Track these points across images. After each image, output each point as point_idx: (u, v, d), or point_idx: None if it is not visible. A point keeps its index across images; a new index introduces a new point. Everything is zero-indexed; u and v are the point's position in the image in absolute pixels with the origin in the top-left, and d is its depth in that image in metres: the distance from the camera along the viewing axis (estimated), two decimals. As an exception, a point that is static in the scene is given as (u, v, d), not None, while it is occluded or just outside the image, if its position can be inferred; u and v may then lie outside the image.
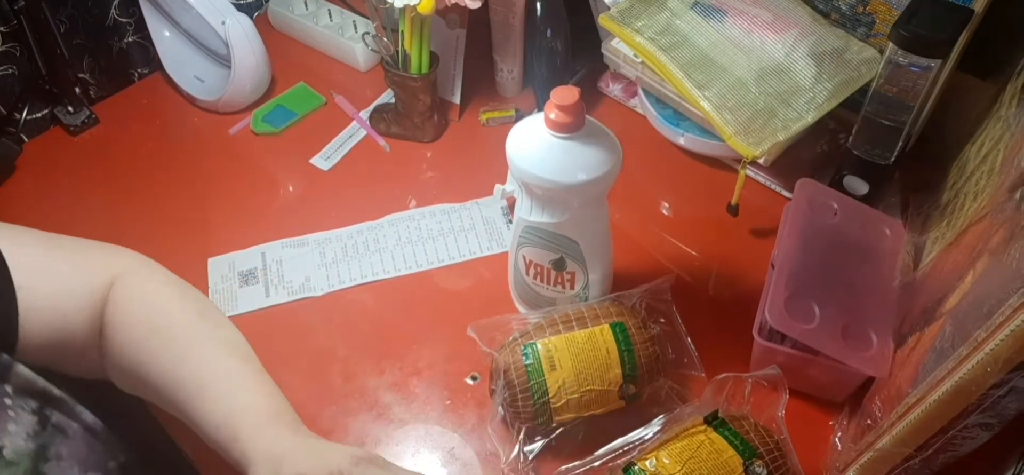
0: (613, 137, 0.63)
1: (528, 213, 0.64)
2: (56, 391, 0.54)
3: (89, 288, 0.60)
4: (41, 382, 0.53)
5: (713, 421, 0.60)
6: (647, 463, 0.58)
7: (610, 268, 0.72)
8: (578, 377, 0.62)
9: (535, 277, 0.70)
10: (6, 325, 0.54)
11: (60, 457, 0.52)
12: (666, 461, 0.57)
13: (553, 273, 0.69)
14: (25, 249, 0.57)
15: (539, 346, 0.63)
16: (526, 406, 0.62)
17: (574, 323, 0.65)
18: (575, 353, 0.62)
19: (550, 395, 0.61)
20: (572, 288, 0.69)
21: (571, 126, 0.60)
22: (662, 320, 0.69)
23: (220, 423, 0.55)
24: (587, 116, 0.61)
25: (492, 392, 0.65)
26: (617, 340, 0.63)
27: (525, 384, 0.62)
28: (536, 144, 0.61)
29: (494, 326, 0.67)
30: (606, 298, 0.68)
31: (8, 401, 0.51)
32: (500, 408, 0.64)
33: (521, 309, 0.75)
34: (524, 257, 0.69)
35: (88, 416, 0.56)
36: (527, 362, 0.62)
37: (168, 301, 0.62)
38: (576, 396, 0.62)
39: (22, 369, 0.52)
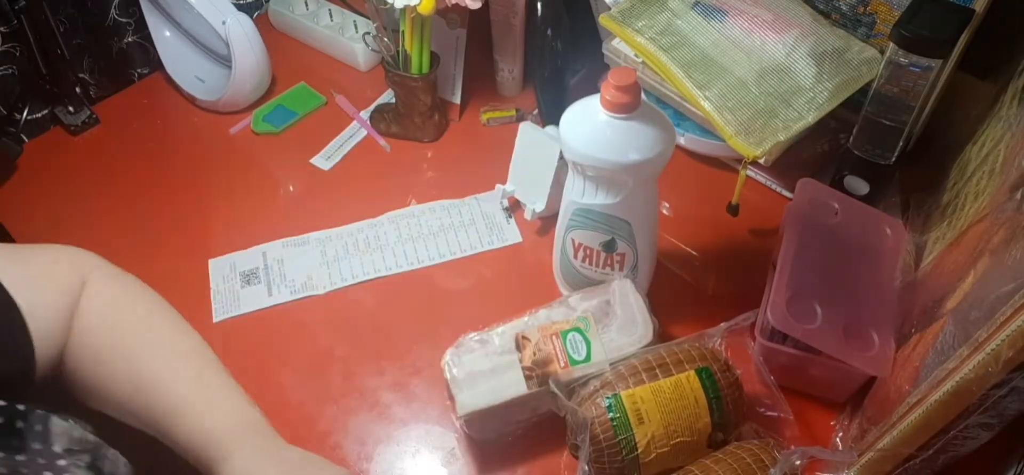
0: (666, 118, 0.63)
1: (581, 195, 0.64)
2: (91, 436, 0.50)
3: (66, 294, 0.56)
4: (85, 433, 0.49)
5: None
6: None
7: (656, 248, 0.72)
8: (667, 429, 0.59)
9: (584, 260, 0.70)
10: (25, 355, 0.50)
11: None
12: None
13: (603, 255, 0.68)
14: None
15: (623, 397, 0.59)
16: (613, 462, 0.59)
17: (657, 370, 0.61)
18: (663, 404, 0.59)
19: (639, 450, 0.58)
20: (621, 269, 0.69)
21: (628, 106, 0.59)
22: (740, 372, 0.64)
23: (195, 445, 0.53)
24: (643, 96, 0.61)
25: (574, 448, 0.62)
26: (705, 387, 0.60)
27: (611, 439, 0.58)
28: (591, 125, 0.61)
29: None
30: (685, 340, 0.65)
31: (61, 462, 0.46)
32: (585, 466, 0.59)
33: (564, 291, 0.74)
34: (573, 241, 0.69)
35: (123, 469, 0.52)
36: (612, 416, 0.59)
37: (125, 313, 0.58)
38: (666, 449, 0.59)
39: (58, 422, 0.47)
